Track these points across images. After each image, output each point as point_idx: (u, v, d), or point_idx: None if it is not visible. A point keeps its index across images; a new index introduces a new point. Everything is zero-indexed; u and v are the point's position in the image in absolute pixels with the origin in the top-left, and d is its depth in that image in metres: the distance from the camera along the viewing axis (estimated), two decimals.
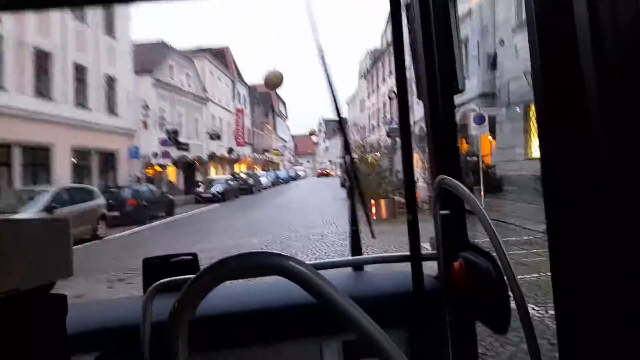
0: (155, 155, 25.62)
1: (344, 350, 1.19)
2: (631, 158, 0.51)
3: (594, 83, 0.54)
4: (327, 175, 68.73)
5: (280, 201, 26.25)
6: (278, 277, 0.55)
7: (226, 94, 40.92)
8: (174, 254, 1.31)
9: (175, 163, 28.23)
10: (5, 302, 0.61)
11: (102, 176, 21.67)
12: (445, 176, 1.00)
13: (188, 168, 31.21)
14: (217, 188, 26.72)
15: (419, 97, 1.22)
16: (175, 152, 27.32)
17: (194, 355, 0.58)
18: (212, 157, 35.89)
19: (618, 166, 0.53)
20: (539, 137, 0.63)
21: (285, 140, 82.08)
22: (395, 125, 27.40)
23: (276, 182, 45.64)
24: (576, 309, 0.59)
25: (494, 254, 0.88)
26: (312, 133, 78.99)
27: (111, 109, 22.52)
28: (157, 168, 26.20)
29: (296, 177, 62.27)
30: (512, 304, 0.79)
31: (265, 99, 61.50)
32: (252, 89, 52.61)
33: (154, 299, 1.12)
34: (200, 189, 26.69)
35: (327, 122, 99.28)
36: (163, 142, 26.48)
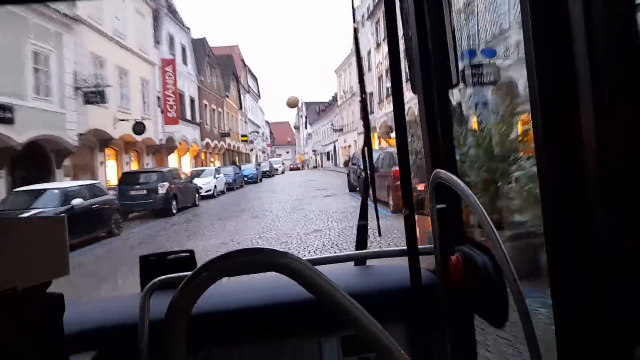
0: None
1: (342, 345, 1.17)
2: (626, 156, 0.53)
3: (588, 82, 0.55)
4: (298, 169, 62.61)
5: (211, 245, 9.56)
6: (276, 272, 0.56)
7: (140, 30, 23.12)
8: (170, 251, 1.31)
9: None
10: (1, 301, 0.62)
11: None
12: (440, 170, 1.04)
13: (23, 161, 13.90)
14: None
15: (414, 91, 1.22)
16: None
17: (192, 352, 0.62)
18: (99, 139, 18.38)
19: (612, 164, 0.54)
20: (535, 136, 0.63)
21: (258, 126, 64.58)
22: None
23: (236, 182, 28.07)
24: (574, 306, 0.60)
25: (491, 248, 0.89)
26: (292, 104, 58.24)
27: None
28: None
29: (271, 173, 44.81)
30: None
31: (226, 64, 43.89)
32: (199, 42, 34.93)
33: (152, 296, 1.10)
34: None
35: (308, 105, 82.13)
36: None
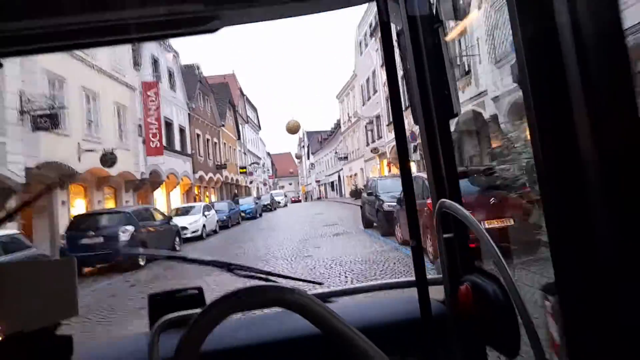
0: None
1: None
2: (619, 155, 0.55)
3: (578, 84, 0.57)
4: (299, 201, 61.20)
5: None
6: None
7: (115, 49, 20.11)
8: (179, 288, 1.30)
9: None
10: (10, 343, 0.62)
11: None
12: (446, 200, 1.05)
13: None
14: None
15: (415, 122, 1.23)
16: None
17: None
18: (60, 174, 15.06)
19: (606, 163, 0.56)
20: (531, 139, 0.65)
21: (258, 157, 61.59)
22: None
23: (231, 219, 24.54)
24: (580, 313, 0.60)
25: (500, 277, 0.89)
26: (293, 129, 56.21)
27: None
28: None
29: (272, 206, 41.26)
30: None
31: (221, 91, 41.22)
32: (190, 68, 32.23)
33: (161, 334, 1.09)
34: None
35: (310, 134, 79.56)
36: None
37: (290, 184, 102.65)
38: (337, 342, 0.56)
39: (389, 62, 1.16)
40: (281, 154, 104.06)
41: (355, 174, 46.80)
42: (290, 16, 1.22)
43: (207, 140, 34.70)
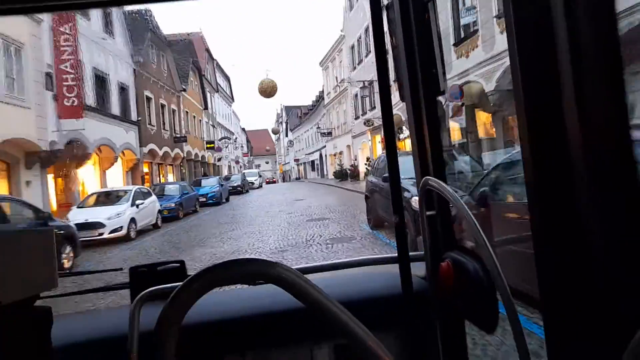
0: None
1: (335, 354, 1.17)
2: (608, 155, 0.56)
3: (571, 83, 0.58)
4: (275, 182, 58.64)
5: None
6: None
7: None
8: (160, 261, 1.29)
9: None
10: None
11: None
12: (430, 177, 1.04)
13: None
14: None
15: (402, 99, 1.22)
16: None
17: None
18: None
19: (596, 163, 0.57)
20: (520, 137, 0.65)
21: (231, 132, 54.97)
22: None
23: (183, 207, 18.34)
24: (563, 305, 0.62)
25: (481, 254, 0.90)
26: (267, 90, 48.36)
27: None
28: None
29: (244, 188, 35.15)
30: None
31: (184, 50, 34.47)
32: (139, 14, 25.46)
33: (142, 308, 1.08)
34: None
35: (288, 109, 73.07)
36: None
37: (267, 163, 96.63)
38: (319, 316, 0.57)
39: (378, 40, 1.14)
40: (257, 130, 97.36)
41: (341, 152, 40.93)
42: None
43: (162, 106, 28.19)
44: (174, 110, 30.38)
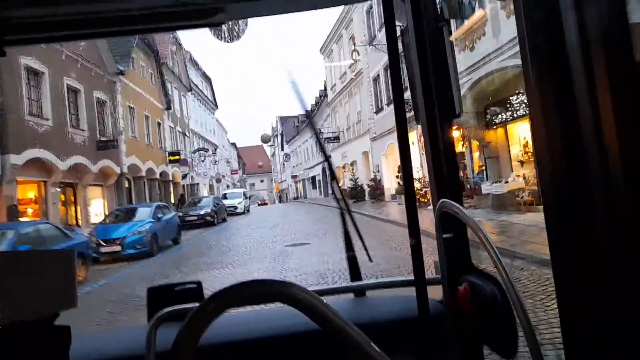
0: None
1: None
2: (621, 159, 0.55)
3: (584, 87, 0.57)
4: (266, 204, 57.05)
5: None
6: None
7: None
8: (178, 282, 1.30)
9: None
10: (8, 333, 0.64)
11: None
12: (446, 200, 1.04)
13: None
14: None
15: (417, 122, 1.22)
16: None
17: None
18: None
19: (610, 166, 0.56)
20: (533, 141, 0.66)
21: (212, 144, 44.41)
22: None
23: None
24: (580, 311, 0.61)
25: (498, 277, 0.89)
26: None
27: None
28: None
29: (217, 217, 22.94)
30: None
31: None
32: None
33: (159, 328, 1.10)
34: None
35: (283, 120, 62.67)
36: None
37: (262, 181, 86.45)
38: (336, 339, 0.57)
39: (393, 60, 1.17)
40: (251, 147, 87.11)
41: (354, 162, 30.33)
42: (297, 11, 1.24)
43: (76, 91, 17.61)
44: (102, 102, 19.80)
